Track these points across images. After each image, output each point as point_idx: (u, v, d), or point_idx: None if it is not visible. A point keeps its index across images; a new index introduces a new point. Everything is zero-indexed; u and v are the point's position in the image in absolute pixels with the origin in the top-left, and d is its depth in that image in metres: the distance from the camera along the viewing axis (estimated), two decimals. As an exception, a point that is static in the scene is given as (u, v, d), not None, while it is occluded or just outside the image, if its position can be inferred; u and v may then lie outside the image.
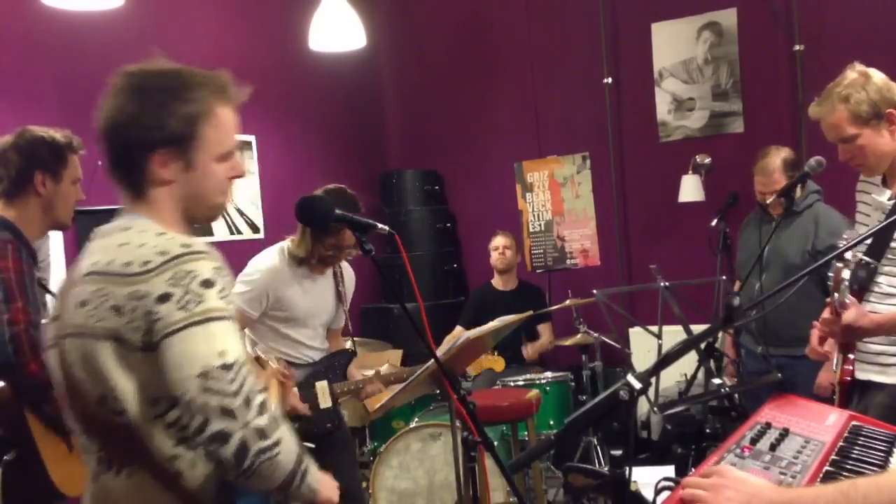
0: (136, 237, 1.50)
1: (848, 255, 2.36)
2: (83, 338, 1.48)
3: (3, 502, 2.22)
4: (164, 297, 1.42)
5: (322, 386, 3.28)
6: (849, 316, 2.32)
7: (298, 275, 3.20)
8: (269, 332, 3.22)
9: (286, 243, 3.23)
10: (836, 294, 2.33)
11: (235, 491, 1.50)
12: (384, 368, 3.42)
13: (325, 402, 3.26)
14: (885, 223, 2.30)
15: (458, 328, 5.10)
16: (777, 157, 3.81)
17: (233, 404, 1.40)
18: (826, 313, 2.41)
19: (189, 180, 1.60)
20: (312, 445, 3.22)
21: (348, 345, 3.53)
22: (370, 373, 3.41)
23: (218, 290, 1.45)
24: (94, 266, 1.50)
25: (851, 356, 2.57)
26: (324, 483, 1.61)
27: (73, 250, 4.03)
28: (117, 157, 1.58)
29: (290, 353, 3.25)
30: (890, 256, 2.47)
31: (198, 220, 1.67)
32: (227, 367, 1.41)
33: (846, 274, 2.35)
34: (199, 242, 1.51)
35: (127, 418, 1.47)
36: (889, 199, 2.55)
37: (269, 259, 3.21)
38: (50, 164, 2.55)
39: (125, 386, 1.45)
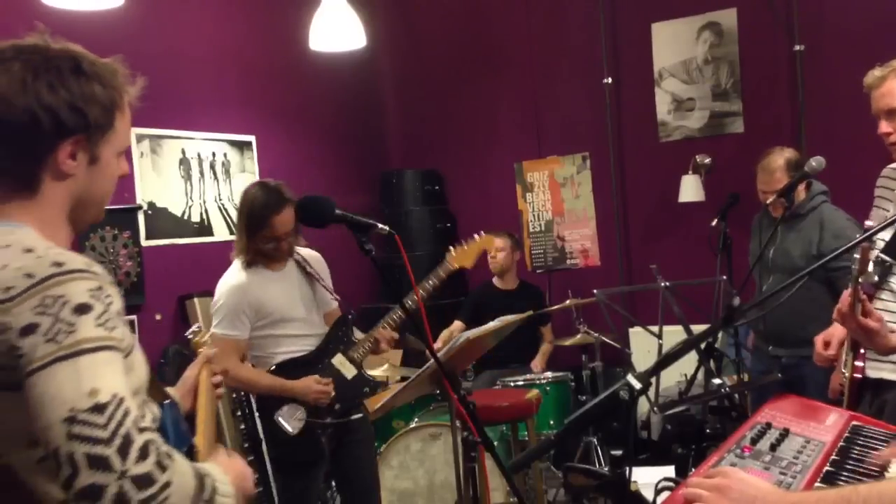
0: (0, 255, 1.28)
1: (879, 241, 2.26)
2: None
3: None
4: (28, 329, 1.20)
5: (339, 360, 3.30)
6: (872, 324, 2.14)
7: (260, 278, 3.21)
8: (267, 341, 3.24)
9: (236, 255, 3.26)
10: (860, 278, 2.11)
11: None
12: (389, 317, 3.39)
13: (349, 372, 3.29)
14: (884, 224, 2.25)
15: (457, 322, 5.10)
16: (781, 156, 3.80)
17: (105, 452, 1.17)
18: (844, 301, 2.18)
19: (89, 176, 1.40)
20: (361, 415, 3.29)
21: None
22: (375, 373, 3.42)
23: (95, 317, 1.23)
24: None
25: (862, 351, 2.55)
26: (238, 481, 1.45)
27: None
28: (15, 142, 1.33)
29: (293, 349, 3.26)
30: None
31: (83, 223, 1.47)
32: (98, 409, 1.18)
33: (874, 254, 2.22)
34: (75, 258, 1.28)
35: (8, 460, 1.29)
36: None
37: (228, 279, 3.23)
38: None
39: None
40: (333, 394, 3.21)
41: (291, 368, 3.22)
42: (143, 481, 1.19)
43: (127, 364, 1.31)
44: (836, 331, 2.72)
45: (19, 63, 1.33)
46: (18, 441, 1.26)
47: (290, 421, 3.19)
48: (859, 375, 2.54)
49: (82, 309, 1.23)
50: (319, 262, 3.45)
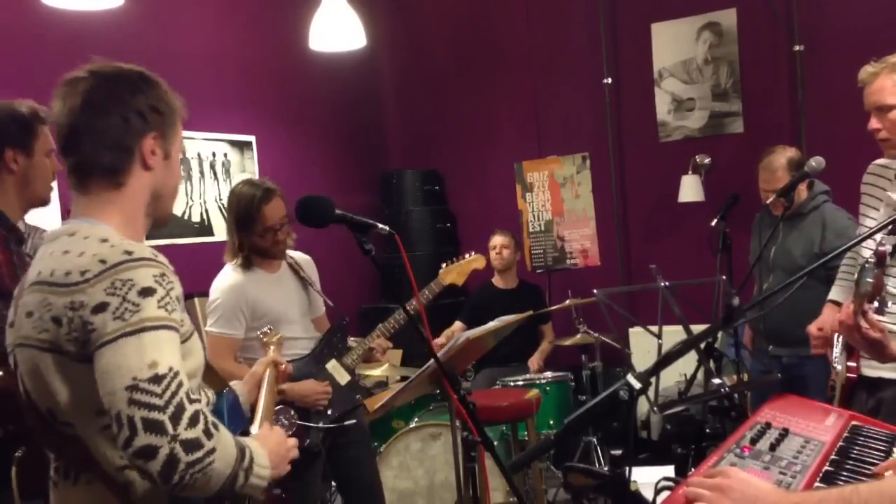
0: (79, 244, 1.47)
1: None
2: (30, 349, 1.47)
3: (20, 498, 2.20)
4: (100, 307, 1.39)
5: (333, 365, 3.32)
6: (875, 335, 2.16)
7: (256, 278, 3.23)
8: (259, 342, 3.24)
9: (229, 257, 3.27)
10: (875, 301, 2.08)
11: (189, 499, 1.48)
12: (383, 325, 3.43)
13: (342, 378, 3.31)
14: (884, 224, 2.23)
15: (457, 323, 5.11)
16: (783, 155, 3.80)
17: (160, 417, 1.35)
18: (847, 314, 2.14)
19: (164, 170, 1.61)
20: (354, 421, 3.28)
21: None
22: (375, 373, 3.42)
23: (158, 299, 1.42)
24: (39, 276, 1.48)
25: (851, 352, 2.56)
26: (276, 450, 1.62)
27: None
28: (111, 141, 1.54)
29: (286, 352, 3.26)
30: None
31: (160, 218, 1.68)
32: (156, 379, 1.36)
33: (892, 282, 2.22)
34: (144, 248, 1.47)
35: (74, 430, 1.47)
36: None
37: (225, 278, 3.24)
38: (19, 138, 2.35)
39: (68, 399, 1.45)
40: (329, 395, 3.22)
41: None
42: (193, 445, 1.36)
43: (185, 348, 1.50)
44: (827, 318, 2.74)
45: (99, 78, 1.55)
46: (88, 410, 1.44)
47: (281, 423, 3.19)
48: (854, 375, 2.54)
49: (147, 292, 1.41)
50: (310, 266, 3.47)
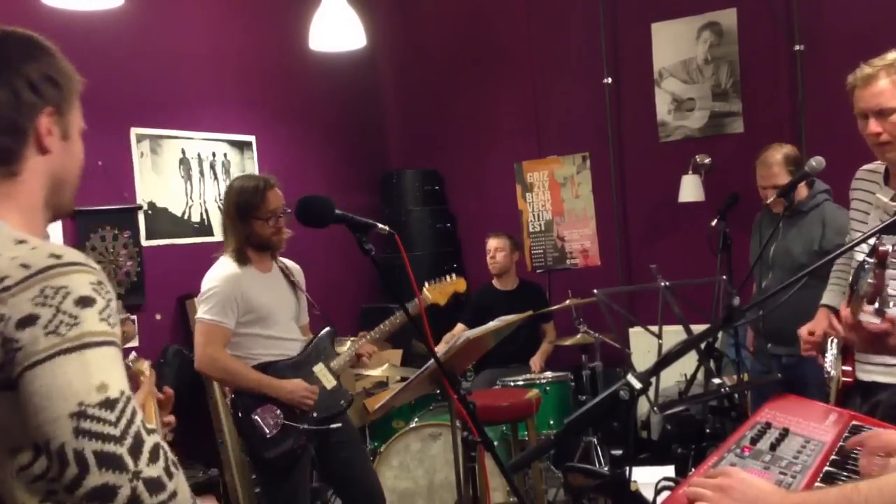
0: None
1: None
2: None
3: None
4: (27, 321, 1.13)
5: (319, 369, 3.34)
6: (884, 326, 2.08)
7: (251, 275, 3.26)
8: (248, 340, 3.25)
9: (225, 253, 3.30)
10: (876, 302, 2.05)
11: None
12: (371, 333, 3.47)
13: (329, 382, 3.33)
14: (887, 224, 2.21)
15: (459, 326, 5.11)
16: (779, 151, 3.84)
17: (118, 450, 1.11)
18: (846, 315, 2.16)
19: (63, 152, 1.36)
20: (339, 425, 3.29)
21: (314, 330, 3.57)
22: (375, 373, 3.43)
23: (98, 310, 1.17)
24: None
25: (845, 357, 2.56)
26: None
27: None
28: (0, 112, 1.29)
29: (273, 352, 3.28)
30: (893, 260, 2.43)
31: (60, 208, 1.40)
32: (108, 404, 1.12)
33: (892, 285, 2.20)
34: (72, 251, 1.22)
35: None
36: (893, 200, 2.51)
37: (221, 268, 3.26)
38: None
39: None
40: (317, 395, 3.22)
41: (272, 371, 3.24)
42: (156, 486, 1.13)
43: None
44: (819, 322, 2.74)
45: None
46: (1, 447, 1.18)
47: (266, 421, 3.19)
48: (849, 379, 2.54)
49: (85, 302, 1.16)
50: (300, 275, 3.50)
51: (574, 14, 5.82)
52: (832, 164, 3.34)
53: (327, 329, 3.46)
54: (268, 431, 3.18)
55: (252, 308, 3.22)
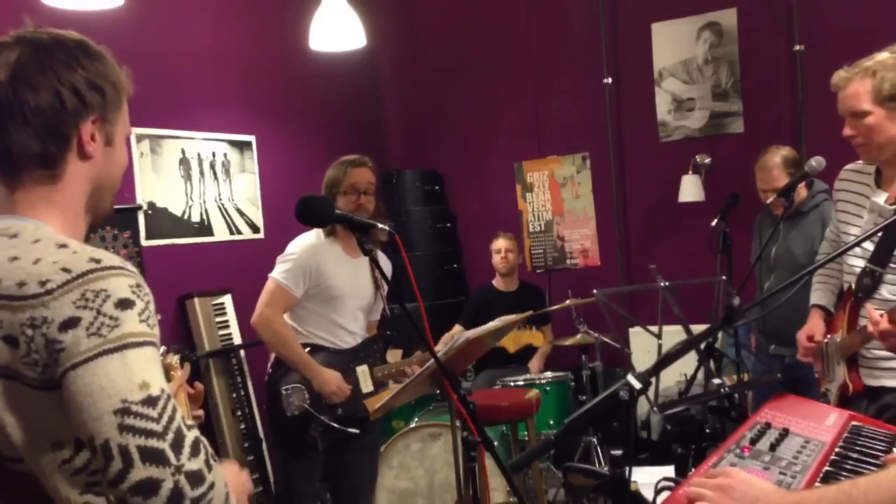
0: (30, 250, 1.24)
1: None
2: None
3: None
4: (69, 323, 1.17)
5: (363, 370, 3.32)
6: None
7: (335, 252, 3.28)
8: (310, 315, 3.26)
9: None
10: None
11: None
12: (420, 353, 3.42)
13: (366, 386, 3.31)
14: (882, 226, 2.20)
15: (457, 327, 5.10)
16: (777, 154, 3.84)
17: (160, 445, 1.16)
18: (884, 322, 2.18)
19: (105, 158, 1.38)
20: (357, 431, 3.26)
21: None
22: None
23: (138, 312, 1.23)
24: None
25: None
26: (239, 491, 1.38)
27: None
28: (42, 124, 1.30)
29: (328, 337, 3.28)
30: (892, 265, 2.43)
31: (99, 212, 1.43)
32: (150, 402, 1.17)
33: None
34: (111, 255, 1.26)
35: (26, 467, 1.24)
36: (886, 202, 2.50)
37: (307, 238, 3.31)
38: None
39: (20, 431, 1.22)
40: (348, 395, 3.22)
41: (319, 354, 3.24)
42: (197, 479, 1.17)
43: None
44: (816, 325, 2.74)
45: (29, 47, 1.32)
46: (44, 443, 1.22)
47: (292, 399, 3.19)
48: (857, 387, 2.53)
49: (125, 304, 1.22)
50: (389, 272, 3.46)
51: (574, 14, 5.82)
52: (832, 164, 3.34)
53: (382, 333, 3.45)
54: (288, 410, 3.18)
55: (323, 284, 3.22)
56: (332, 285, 3.23)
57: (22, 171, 1.32)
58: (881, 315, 2.20)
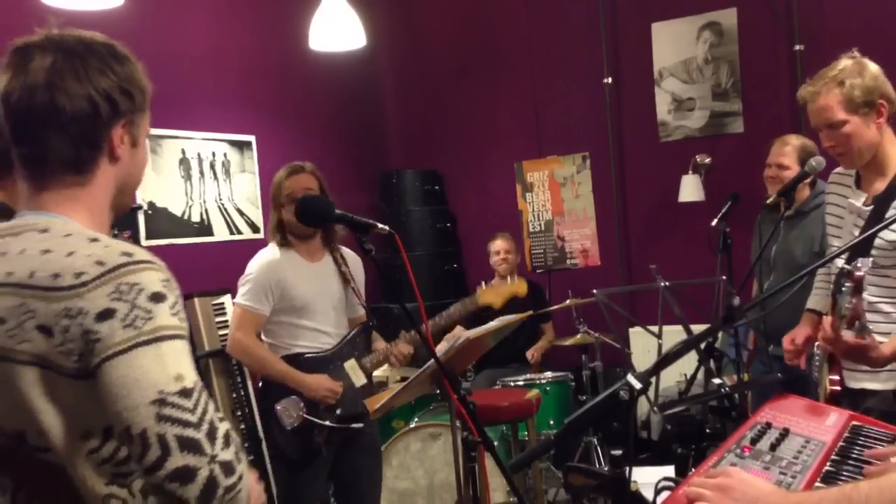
0: (62, 243, 1.27)
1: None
2: (0, 361, 1.25)
3: None
4: (105, 314, 1.20)
5: (351, 365, 3.31)
6: (864, 341, 2.14)
7: (293, 261, 3.26)
8: (284, 328, 3.25)
9: (272, 239, 3.35)
10: (856, 323, 2.08)
11: None
12: (408, 335, 3.39)
13: (359, 379, 3.30)
14: (875, 230, 2.18)
15: (458, 327, 5.09)
16: (798, 139, 3.89)
17: (196, 435, 1.20)
18: (828, 328, 2.19)
19: (131, 159, 1.42)
20: (361, 425, 3.26)
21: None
22: (375, 373, 3.41)
23: (170, 306, 1.26)
24: (9, 277, 1.25)
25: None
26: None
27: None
28: (77, 131, 1.32)
29: (309, 343, 3.27)
30: (871, 264, 2.43)
31: (121, 209, 1.48)
32: (185, 393, 1.21)
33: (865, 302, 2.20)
34: (141, 250, 1.30)
35: (52, 456, 1.26)
36: (864, 205, 2.52)
37: (262, 255, 3.29)
38: None
39: (52, 420, 1.24)
40: (340, 395, 3.21)
41: (303, 363, 3.23)
42: (229, 468, 1.23)
43: None
44: (801, 330, 2.75)
45: (62, 53, 1.34)
46: (75, 432, 1.25)
47: (288, 413, 3.18)
48: (838, 388, 2.54)
49: (158, 297, 1.25)
50: (357, 265, 3.46)
51: (574, 14, 5.82)
52: (832, 164, 3.34)
53: (364, 324, 3.41)
54: (288, 424, 3.18)
55: (289, 296, 3.21)
56: (296, 295, 3.22)
57: (53, 173, 1.35)
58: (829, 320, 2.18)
